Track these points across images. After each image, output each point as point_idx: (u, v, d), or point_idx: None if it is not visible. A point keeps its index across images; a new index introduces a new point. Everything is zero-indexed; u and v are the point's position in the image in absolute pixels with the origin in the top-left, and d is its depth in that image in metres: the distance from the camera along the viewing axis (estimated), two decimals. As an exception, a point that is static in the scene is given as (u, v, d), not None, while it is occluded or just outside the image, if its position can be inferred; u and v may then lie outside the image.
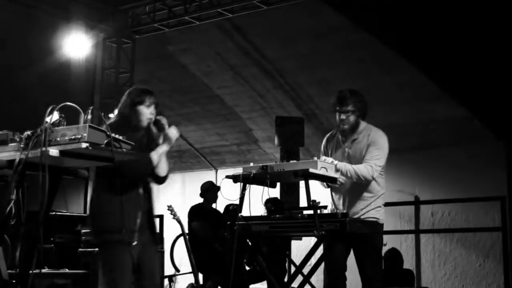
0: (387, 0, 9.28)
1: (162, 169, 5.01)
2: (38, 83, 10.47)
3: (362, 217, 5.59)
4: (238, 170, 5.76)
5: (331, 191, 5.88)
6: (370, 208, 5.64)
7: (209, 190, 9.64)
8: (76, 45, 11.34)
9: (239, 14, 10.75)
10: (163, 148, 4.92)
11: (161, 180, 5.07)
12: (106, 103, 11.79)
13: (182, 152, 14.66)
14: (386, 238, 7.02)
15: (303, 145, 11.11)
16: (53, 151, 3.56)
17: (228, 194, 6.21)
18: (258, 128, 13.42)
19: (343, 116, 5.66)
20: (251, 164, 5.71)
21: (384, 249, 7.66)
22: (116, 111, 5.02)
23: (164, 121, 4.97)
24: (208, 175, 13.47)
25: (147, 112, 4.92)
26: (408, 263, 11.11)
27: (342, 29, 10.23)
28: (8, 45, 10.44)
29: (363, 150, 5.67)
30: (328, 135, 6.00)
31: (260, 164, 5.61)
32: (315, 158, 5.49)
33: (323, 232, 5.27)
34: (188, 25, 11.25)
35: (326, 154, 5.84)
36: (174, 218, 8.46)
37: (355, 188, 5.67)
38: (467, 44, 9.48)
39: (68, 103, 3.70)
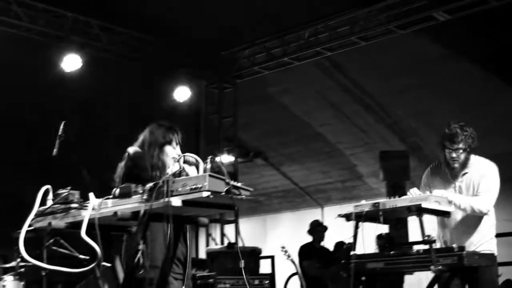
0: (488, 28, 9.17)
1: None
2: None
3: (477, 249, 5.46)
4: (346, 207, 5.70)
5: (438, 225, 5.79)
6: (485, 240, 5.53)
7: (317, 230, 9.71)
8: (180, 93, 11.60)
9: (337, 52, 10.82)
10: None
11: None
12: (210, 148, 12.05)
13: (287, 191, 14.74)
14: (499, 269, 6.85)
15: (409, 179, 10.99)
16: (176, 201, 3.68)
17: (334, 230, 6.15)
18: (362, 163, 13.38)
19: (453, 155, 5.51)
20: (363, 202, 5.59)
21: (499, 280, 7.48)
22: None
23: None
24: (314, 213, 13.50)
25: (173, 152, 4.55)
26: (525, 295, 10.75)
27: (441, 60, 10.15)
28: (113, 97, 10.84)
29: (475, 183, 5.55)
30: (431, 166, 5.83)
31: (372, 201, 5.53)
32: (428, 192, 5.45)
33: (440, 267, 5.20)
34: (287, 66, 11.40)
35: (427, 186, 5.73)
36: (288, 258, 8.54)
37: (467, 220, 5.55)
38: None
39: (188, 154, 3.82)
